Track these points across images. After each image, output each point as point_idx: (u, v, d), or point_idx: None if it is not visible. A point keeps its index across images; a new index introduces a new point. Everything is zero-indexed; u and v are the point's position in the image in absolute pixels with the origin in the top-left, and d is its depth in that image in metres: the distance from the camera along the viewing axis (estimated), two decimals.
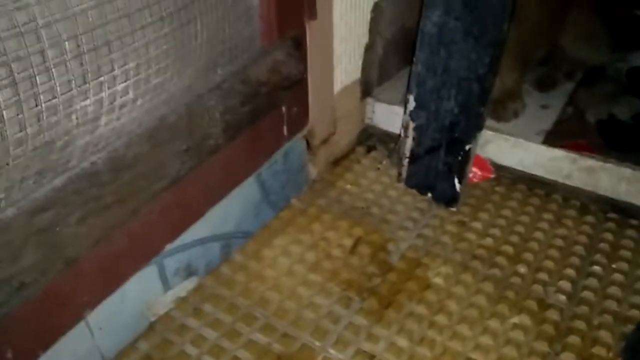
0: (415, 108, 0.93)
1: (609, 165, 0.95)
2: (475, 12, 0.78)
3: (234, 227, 0.88)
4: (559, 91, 1.31)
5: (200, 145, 0.68)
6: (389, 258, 0.88)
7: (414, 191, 1.03)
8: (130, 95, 0.55)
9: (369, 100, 1.17)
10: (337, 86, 1.06)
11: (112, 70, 0.54)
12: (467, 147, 0.91)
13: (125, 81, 0.55)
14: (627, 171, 0.94)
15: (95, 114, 0.52)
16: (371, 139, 1.18)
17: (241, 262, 0.86)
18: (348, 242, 0.90)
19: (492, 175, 1.06)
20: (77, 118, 0.51)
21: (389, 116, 1.13)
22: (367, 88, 1.15)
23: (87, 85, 0.51)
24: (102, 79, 0.52)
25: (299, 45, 0.88)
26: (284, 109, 0.90)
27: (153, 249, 0.70)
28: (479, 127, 0.88)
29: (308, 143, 1.03)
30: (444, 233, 0.94)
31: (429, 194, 1.00)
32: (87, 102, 0.51)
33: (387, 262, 0.87)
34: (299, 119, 0.97)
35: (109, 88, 0.53)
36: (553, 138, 1.14)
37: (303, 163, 1.03)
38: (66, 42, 0.49)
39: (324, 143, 1.07)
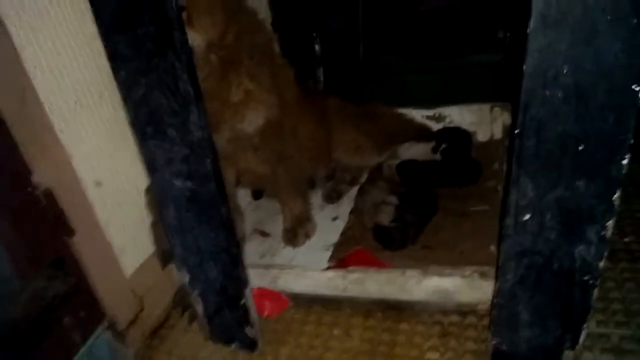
0: (190, 280, 1.04)
1: (370, 273, 1.11)
2: (197, 204, 0.92)
3: None
4: (347, 199, 1.51)
5: None
6: None
7: (221, 345, 1.12)
8: None
9: (172, 266, 1.26)
10: (130, 269, 1.15)
11: None
12: (241, 302, 1.02)
13: None
14: (383, 276, 1.10)
15: None
16: (186, 298, 1.27)
17: None
18: None
19: (289, 305, 1.18)
20: None
21: None
22: (166, 257, 1.25)
23: None
24: None
25: (62, 264, 0.96)
26: (66, 320, 0.97)
27: None
28: (244, 285, 1.01)
29: (114, 330, 1.10)
30: None
31: (233, 345, 1.10)
32: None
33: None
34: (91, 319, 1.04)
35: None
36: (340, 248, 1.31)
37: (113, 351, 1.09)
38: None
39: (133, 323, 1.14)
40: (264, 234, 1.44)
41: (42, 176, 0.92)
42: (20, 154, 0.89)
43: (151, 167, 0.91)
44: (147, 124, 0.85)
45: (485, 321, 1.05)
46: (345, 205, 1.48)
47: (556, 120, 0.61)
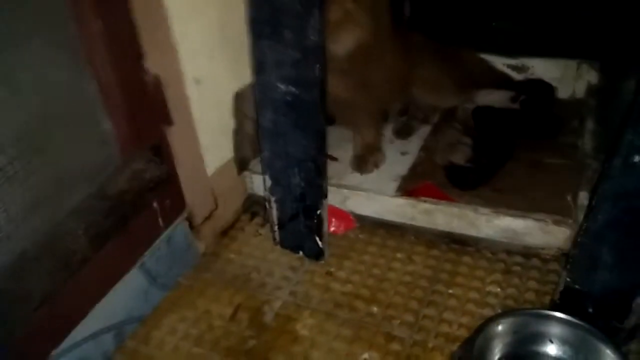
0: (271, 185, 1.09)
1: (440, 206, 1.14)
2: (297, 110, 0.95)
3: (124, 316, 1.00)
4: (417, 137, 1.52)
5: (67, 262, 0.81)
6: (264, 319, 1.02)
7: (288, 251, 1.18)
8: None
9: (247, 173, 1.32)
10: (211, 169, 1.20)
11: None
12: (318, 212, 1.07)
13: None
14: (454, 209, 1.12)
15: None
16: (254, 206, 1.33)
17: (133, 347, 0.98)
18: (229, 311, 1.04)
19: (355, 225, 1.23)
20: None
21: None
22: (242, 164, 1.30)
23: None
24: None
25: (159, 151, 1.02)
26: (155, 204, 1.04)
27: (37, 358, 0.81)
28: (323, 195, 1.05)
29: (191, 223, 1.17)
30: (313, 286, 1.09)
31: (301, 252, 1.16)
32: None
33: (262, 323, 1.01)
34: (174, 208, 1.10)
35: None
36: (408, 181, 1.33)
37: (188, 242, 1.17)
38: None
39: (207, 219, 1.21)
40: (332, 158, 1.46)
41: (152, 63, 0.96)
42: (138, 37, 0.92)
43: (258, 68, 0.93)
44: (265, 23, 0.87)
45: (550, 265, 1.07)
46: (415, 142, 1.48)
47: None
